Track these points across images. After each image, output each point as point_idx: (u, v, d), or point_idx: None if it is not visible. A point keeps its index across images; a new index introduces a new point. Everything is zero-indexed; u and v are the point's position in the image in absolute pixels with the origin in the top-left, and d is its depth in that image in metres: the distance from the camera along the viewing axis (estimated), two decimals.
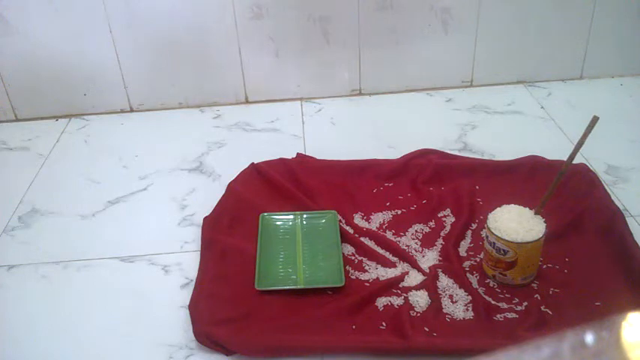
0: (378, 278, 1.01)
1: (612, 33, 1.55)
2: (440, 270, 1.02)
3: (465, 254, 1.06)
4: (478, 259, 1.04)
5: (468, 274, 1.01)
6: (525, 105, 1.52)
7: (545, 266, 1.02)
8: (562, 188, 1.09)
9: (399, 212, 1.16)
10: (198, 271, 1.04)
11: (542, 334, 0.33)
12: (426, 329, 0.91)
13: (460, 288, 0.98)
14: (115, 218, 1.21)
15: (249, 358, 0.89)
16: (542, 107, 1.50)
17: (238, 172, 1.26)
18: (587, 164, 1.24)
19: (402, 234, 1.11)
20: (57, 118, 1.56)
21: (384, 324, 0.93)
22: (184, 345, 0.92)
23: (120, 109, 1.58)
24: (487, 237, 0.97)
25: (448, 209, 1.16)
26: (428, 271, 1.02)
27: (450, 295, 0.97)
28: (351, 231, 1.11)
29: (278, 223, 1.13)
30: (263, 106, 1.57)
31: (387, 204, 1.18)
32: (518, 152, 1.29)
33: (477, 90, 1.59)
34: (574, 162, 0.95)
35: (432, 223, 1.13)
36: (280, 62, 1.54)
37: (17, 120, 1.57)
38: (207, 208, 1.17)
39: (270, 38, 1.50)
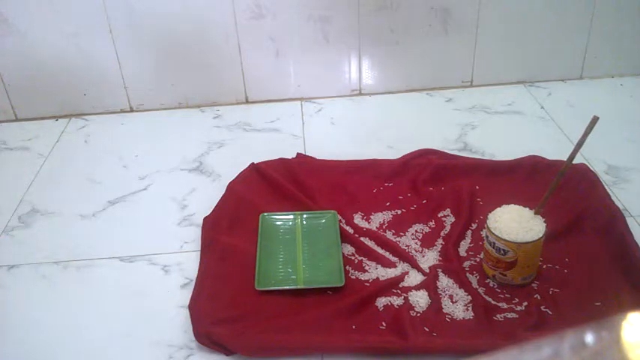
0: (378, 278, 1.01)
1: (612, 33, 1.55)
2: (440, 270, 1.02)
3: (465, 254, 1.06)
4: (478, 259, 1.04)
5: (468, 274, 1.01)
6: (525, 105, 1.52)
7: (545, 266, 1.02)
8: (562, 188, 1.09)
9: (399, 212, 1.16)
10: (198, 271, 1.04)
11: (542, 334, 0.33)
12: (426, 329, 0.91)
13: (460, 288, 0.98)
14: (115, 218, 1.21)
15: (249, 358, 0.89)
16: (542, 107, 1.50)
17: (238, 172, 1.26)
18: (587, 164, 1.24)
19: (402, 234, 1.11)
20: (57, 118, 1.56)
21: (384, 324, 0.93)
22: (184, 345, 0.92)
23: (120, 109, 1.57)
24: (487, 237, 0.97)
25: (448, 209, 1.16)
26: (428, 271, 1.02)
27: (450, 295, 0.97)
28: (351, 231, 1.11)
29: (278, 223, 1.13)
30: (263, 106, 1.57)
31: (387, 204, 1.18)
32: (518, 152, 1.29)
33: (477, 90, 1.59)
34: (574, 162, 0.95)
35: (432, 223, 1.13)
36: (280, 62, 1.54)
37: (17, 120, 1.57)
38: (207, 208, 1.17)
39: (270, 38, 1.50)
